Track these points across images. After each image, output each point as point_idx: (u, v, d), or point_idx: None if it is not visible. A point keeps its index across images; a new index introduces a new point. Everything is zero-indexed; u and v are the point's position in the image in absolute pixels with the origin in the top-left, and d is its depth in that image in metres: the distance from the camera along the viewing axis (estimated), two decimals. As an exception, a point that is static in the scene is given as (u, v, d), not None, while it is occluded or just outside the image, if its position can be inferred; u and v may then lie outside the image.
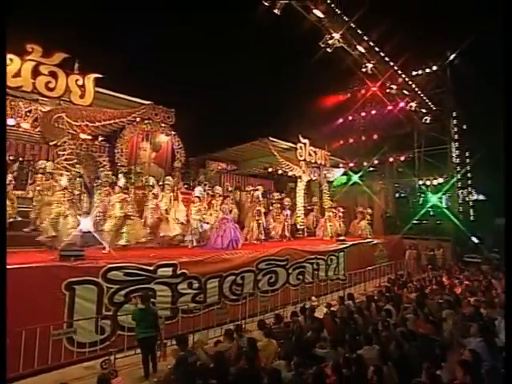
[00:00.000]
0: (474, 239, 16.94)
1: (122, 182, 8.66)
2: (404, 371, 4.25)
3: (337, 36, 10.70)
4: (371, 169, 20.38)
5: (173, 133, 12.36)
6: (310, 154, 14.62)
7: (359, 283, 11.61)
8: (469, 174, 18.28)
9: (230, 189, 13.57)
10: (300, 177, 14.50)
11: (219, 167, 16.44)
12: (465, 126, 17.64)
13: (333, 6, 9.90)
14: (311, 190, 17.44)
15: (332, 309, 7.27)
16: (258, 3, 9.79)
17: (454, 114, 17.37)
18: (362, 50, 11.63)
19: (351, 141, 21.06)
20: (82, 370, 4.95)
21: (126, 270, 5.73)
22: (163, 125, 11.93)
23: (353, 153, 20.34)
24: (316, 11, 9.91)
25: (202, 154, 15.68)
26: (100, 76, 8.03)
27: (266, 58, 15.76)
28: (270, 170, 16.54)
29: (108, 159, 11.44)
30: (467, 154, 17.79)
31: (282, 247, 9.46)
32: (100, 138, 11.13)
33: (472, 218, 18.53)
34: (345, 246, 12.12)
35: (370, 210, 15.98)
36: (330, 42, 10.94)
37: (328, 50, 11.14)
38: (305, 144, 14.32)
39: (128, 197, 8.11)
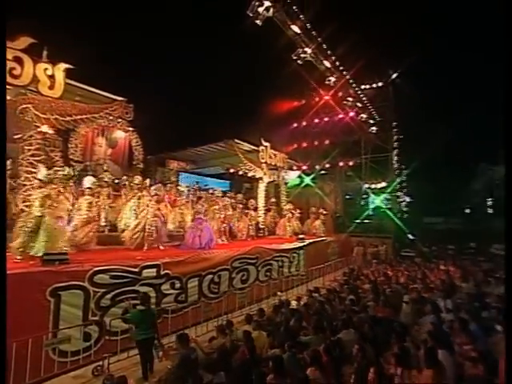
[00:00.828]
0: (410, 236, 19.34)
1: (88, 182, 8.29)
2: (377, 348, 5.00)
3: (309, 51, 11.56)
4: (323, 172, 21.88)
5: (131, 129, 11.89)
6: (270, 157, 15.31)
7: (317, 277, 12.56)
8: (404, 179, 20.84)
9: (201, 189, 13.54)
10: (261, 178, 15.11)
11: (178, 166, 16.30)
12: (402, 137, 20.11)
13: (307, 25, 10.67)
14: (268, 191, 18.19)
15: (303, 301, 7.93)
16: (243, 13, 10.05)
17: (394, 126, 19.69)
18: (328, 65, 12.70)
19: (305, 145, 22.35)
20: (71, 380, 4.79)
21: (112, 273, 5.61)
22: (120, 120, 11.37)
23: (306, 156, 21.62)
24: (294, 27, 10.62)
25: (162, 153, 15.41)
26: (71, 67, 7.52)
27: (236, 63, 16.01)
28: (231, 170, 16.81)
29: (60, 154, 10.67)
30: (404, 162, 20.30)
31: (253, 246, 9.90)
32: (50, 131, 10.33)
33: (406, 218, 21.11)
34: (304, 244, 13.00)
35: (323, 211, 17.22)
36: (302, 55, 11.74)
37: (299, 61, 11.94)
38: (266, 147, 14.97)
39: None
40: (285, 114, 20.68)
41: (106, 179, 9.21)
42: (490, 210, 23.22)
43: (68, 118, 7.98)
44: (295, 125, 21.55)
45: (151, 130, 13.45)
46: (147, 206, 8.13)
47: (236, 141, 13.29)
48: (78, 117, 8.40)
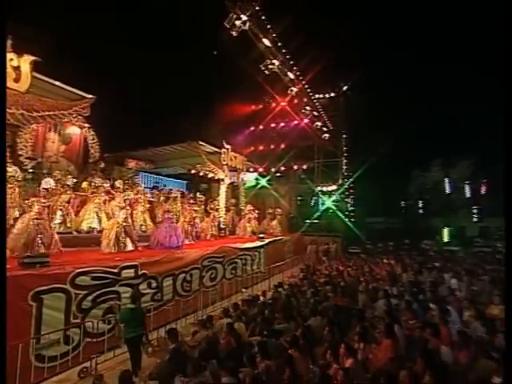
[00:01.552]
0: (358, 234, 21.28)
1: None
2: (341, 330, 5.84)
3: (277, 63, 12.28)
4: (278, 174, 22.94)
5: (87, 125, 11.44)
6: (231, 159, 15.80)
7: (277, 274, 13.36)
8: (352, 183, 22.89)
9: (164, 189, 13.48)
10: (223, 180, 15.50)
11: (137, 166, 15.94)
12: (350, 144, 22.13)
13: (277, 39, 11.38)
14: (228, 192, 18.63)
15: (270, 295, 8.60)
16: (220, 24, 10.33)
17: (344, 134, 21.59)
18: (292, 77, 13.62)
19: (261, 148, 23.23)
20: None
21: (93, 274, 5.63)
22: (75, 115, 10.87)
23: (262, 159, 22.49)
24: (265, 40, 11.23)
25: (121, 151, 14.94)
26: (39, 60, 7.13)
27: (203, 68, 16.09)
28: (193, 171, 16.91)
29: (9, 150, 9.94)
30: (352, 167, 22.32)
31: (220, 245, 10.32)
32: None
33: (353, 218, 23.17)
34: (264, 243, 13.74)
35: (280, 211, 18.18)
36: (270, 66, 12.43)
37: (266, 72, 12.61)
38: (227, 149, 15.42)
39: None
40: (245, 119, 21.31)
41: (68, 182, 8.85)
42: (421, 211, 26.64)
43: (35, 114, 7.57)
44: (252, 128, 22.28)
45: (110, 127, 13.05)
46: (121, 208, 8.06)
47: (200, 142, 13.52)
48: (46, 113, 8.00)
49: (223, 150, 15.04)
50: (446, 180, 25.15)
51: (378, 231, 23.92)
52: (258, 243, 13.34)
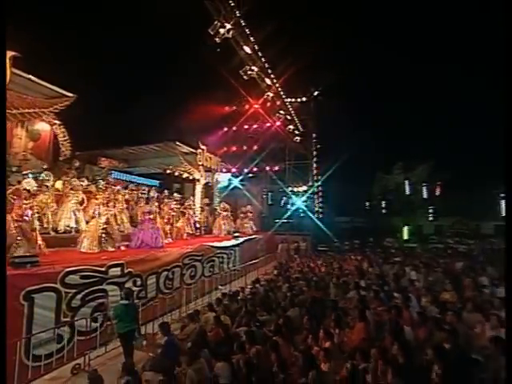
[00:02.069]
0: (327, 233, 22.32)
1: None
2: (318, 319, 6.46)
3: (256, 69, 12.75)
4: (250, 175, 23.46)
5: (57, 122, 11.13)
6: (206, 160, 16.05)
7: (251, 271, 13.84)
8: (321, 184, 24.03)
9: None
10: (198, 180, 15.72)
11: (110, 164, 15.67)
12: (320, 147, 23.23)
13: (256, 48, 11.82)
14: (202, 192, 18.82)
15: (249, 291, 9.07)
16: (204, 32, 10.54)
17: (315, 137, 22.63)
18: (269, 82, 14.18)
19: (234, 149, 23.63)
20: (48, 383, 4.87)
21: (82, 273, 5.75)
22: (44, 110, 10.55)
23: (235, 160, 22.89)
24: (246, 47, 11.63)
25: (93, 150, 14.63)
26: (18, 55, 6.94)
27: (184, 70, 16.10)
28: (168, 171, 16.91)
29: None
30: (321, 169, 23.44)
31: (198, 244, 10.60)
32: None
33: (322, 217, 24.30)
34: (239, 241, 14.19)
35: (252, 210, 18.69)
36: (249, 72, 12.86)
37: (245, 77, 13.02)
38: (203, 150, 15.66)
39: None
40: (220, 121, 21.60)
41: (48, 184, 8.69)
42: (384, 211, 28.58)
43: (15, 111, 7.36)
44: (226, 129, 22.61)
45: (83, 125, 12.79)
46: (107, 207, 8.10)
47: (177, 143, 13.65)
48: (26, 110, 7.77)
49: (199, 150, 15.26)
50: (406, 182, 27.23)
51: (345, 230, 25.26)
52: (234, 242, 13.76)
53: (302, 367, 4.27)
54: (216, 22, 10.73)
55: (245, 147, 23.50)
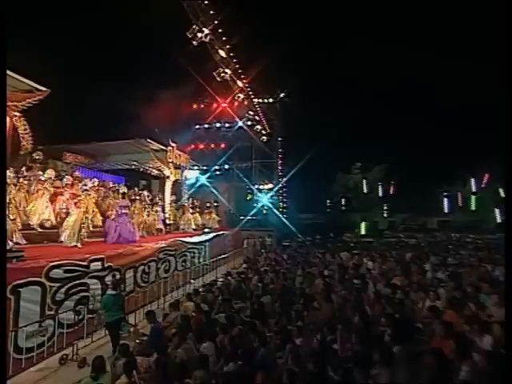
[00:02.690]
0: (291, 229, 23.40)
1: None
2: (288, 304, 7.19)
3: (229, 72, 13.12)
4: (217, 173, 23.83)
5: (17, 114, 10.76)
6: (176, 157, 16.18)
7: (221, 266, 14.33)
8: (285, 182, 25.12)
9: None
10: (168, 177, 15.83)
11: (76, 160, 15.21)
12: (285, 147, 24.30)
13: (231, 54, 12.20)
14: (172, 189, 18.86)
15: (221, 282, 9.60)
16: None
17: (280, 138, 23.62)
18: (240, 85, 14.65)
19: (202, 147, 23.84)
20: (35, 374, 5.00)
21: (65, 267, 5.90)
22: (17, 104, 10.17)
23: (204, 158, 23.14)
24: (220, 51, 11.94)
25: (58, 144, 14.10)
26: None
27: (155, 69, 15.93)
28: (137, 167, 16.74)
29: None
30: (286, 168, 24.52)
31: (172, 239, 10.90)
32: None
33: (286, 214, 25.41)
34: (209, 237, 14.62)
35: (219, 207, 19.15)
36: (222, 74, 13.21)
37: (218, 79, 13.36)
38: (173, 147, 15.78)
39: None
40: (191, 119, 21.66)
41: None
42: (343, 208, 30.61)
43: None
44: (197, 127, 22.75)
45: (48, 119, 12.36)
46: (85, 201, 8.15)
47: (148, 140, 13.68)
48: None
49: (169, 147, 15.35)
50: (364, 181, 29.41)
51: (308, 226, 26.61)
52: (204, 237, 14.16)
53: (279, 342, 4.93)
54: (194, 26, 10.99)
55: (212, 145, 23.80)
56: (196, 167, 21.64)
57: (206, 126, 22.74)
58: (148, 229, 13.19)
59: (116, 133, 13.84)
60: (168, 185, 15.93)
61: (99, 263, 6.80)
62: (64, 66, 12.78)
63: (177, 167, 16.80)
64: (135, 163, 15.99)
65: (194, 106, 21.73)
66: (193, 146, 23.54)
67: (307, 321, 5.95)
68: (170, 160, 15.46)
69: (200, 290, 8.45)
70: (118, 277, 7.38)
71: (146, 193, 14.02)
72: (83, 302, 6.19)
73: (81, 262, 6.33)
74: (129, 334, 5.62)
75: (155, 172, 17.14)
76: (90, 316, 6.19)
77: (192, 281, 11.12)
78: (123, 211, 9.35)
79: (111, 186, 12.96)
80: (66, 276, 5.93)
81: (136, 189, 14.06)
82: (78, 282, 6.18)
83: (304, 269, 10.72)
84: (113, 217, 9.40)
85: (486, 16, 19.58)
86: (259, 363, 4.25)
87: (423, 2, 24.17)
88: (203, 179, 22.32)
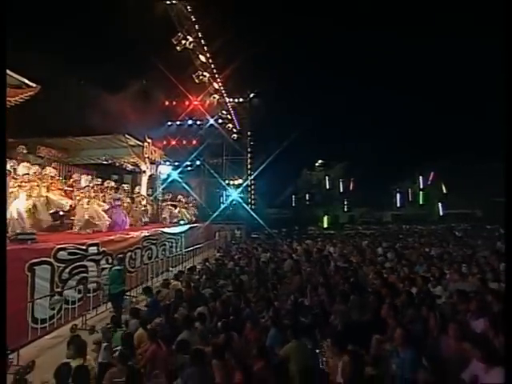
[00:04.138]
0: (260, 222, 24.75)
1: None
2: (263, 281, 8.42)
3: (207, 75, 13.89)
4: (189, 168, 24.49)
5: None
6: (151, 152, 16.73)
7: (195, 256, 15.22)
8: (254, 178, 26.47)
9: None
10: (144, 171, 16.35)
11: (50, 154, 15.19)
12: (254, 144, 25.60)
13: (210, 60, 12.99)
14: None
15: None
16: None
17: (250, 136, 24.85)
18: (216, 86, 15.50)
19: (173, 143, 24.32)
20: (49, 341, 5.73)
21: (69, 250, 6.64)
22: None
23: (176, 153, 23.64)
24: (201, 56, 12.67)
25: (31, 138, 14.04)
26: None
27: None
28: (110, 162, 16.98)
29: None
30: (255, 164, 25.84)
31: (154, 229, 11.68)
32: None
33: (255, 208, 26.76)
34: (185, 229, 15.46)
35: (191, 201, 19.92)
36: (201, 77, 13.96)
37: (196, 80, 14.09)
38: (149, 143, 16.32)
39: None
40: (167, 116, 22.05)
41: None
42: (307, 203, 32.74)
43: None
44: (170, 124, 23.19)
45: (20, 112, 12.41)
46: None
47: (127, 135, 14.13)
48: None
49: (145, 143, 15.87)
50: (327, 178, 31.68)
51: (275, 219, 28.23)
52: (180, 229, 14.98)
53: (261, 306, 6.13)
54: (179, 34, 11.69)
55: (184, 142, 24.38)
56: (168, 162, 22.13)
57: (178, 122, 23.26)
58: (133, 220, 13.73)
59: (92, 127, 14.13)
60: (144, 179, 16.44)
61: (95, 248, 7.54)
62: (45, 60, 12.76)
63: (152, 162, 17.34)
64: (110, 158, 16.26)
65: (167, 103, 22.17)
66: (165, 142, 23.93)
67: (280, 292, 7.23)
68: (146, 155, 15.99)
69: (184, 272, 9.41)
70: (110, 261, 8.15)
71: (125, 186, 14.45)
72: (83, 282, 6.93)
73: (81, 246, 7.05)
74: (130, 304, 6.51)
75: (130, 167, 17.52)
76: (91, 294, 6.95)
77: (171, 268, 11.98)
78: (117, 203, 10.04)
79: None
80: (69, 258, 6.65)
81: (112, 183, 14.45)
82: (79, 263, 6.91)
83: (274, 255, 12.08)
84: (107, 207, 10.04)
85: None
86: (246, 319, 5.41)
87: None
88: (175, 174, 22.85)
